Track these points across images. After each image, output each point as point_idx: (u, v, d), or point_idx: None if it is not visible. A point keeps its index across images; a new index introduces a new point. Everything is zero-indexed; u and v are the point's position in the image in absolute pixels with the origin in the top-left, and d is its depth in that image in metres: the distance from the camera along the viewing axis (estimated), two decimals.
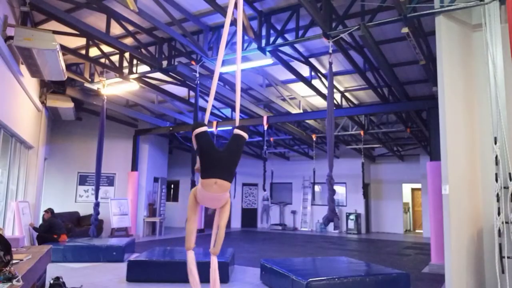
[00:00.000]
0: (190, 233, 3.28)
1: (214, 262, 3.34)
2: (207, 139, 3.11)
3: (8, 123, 6.32)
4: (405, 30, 5.65)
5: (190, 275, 3.25)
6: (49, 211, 8.57)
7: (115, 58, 8.71)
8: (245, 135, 3.25)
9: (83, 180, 12.62)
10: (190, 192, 3.33)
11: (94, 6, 6.43)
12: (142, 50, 7.80)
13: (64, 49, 7.58)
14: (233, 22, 6.10)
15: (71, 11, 6.68)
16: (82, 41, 7.98)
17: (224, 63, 7.98)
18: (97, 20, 7.02)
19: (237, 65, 3.53)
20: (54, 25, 7.02)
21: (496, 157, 4.43)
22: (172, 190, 18.12)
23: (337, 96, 10.05)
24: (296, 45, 7.33)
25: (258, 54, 7.04)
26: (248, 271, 7.28)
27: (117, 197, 12.77)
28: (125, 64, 8.64)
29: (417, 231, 17.44)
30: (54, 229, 8.22)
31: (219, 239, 3.30)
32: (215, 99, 10.75)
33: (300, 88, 10.00)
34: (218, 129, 11.76)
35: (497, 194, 4.34)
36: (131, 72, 8.59)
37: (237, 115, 3.61)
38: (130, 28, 7.20)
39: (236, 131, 3.24)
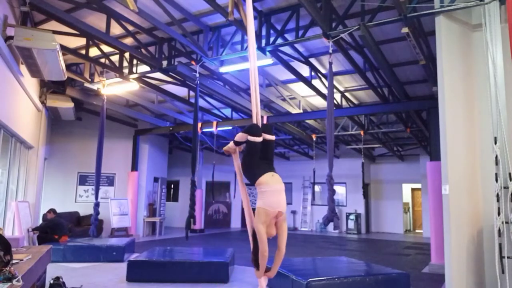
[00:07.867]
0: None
1: (263, 285, 3.32)
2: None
3: (8, 123, 6.32)
4: (405, 30, 5.65)
5: None
6: (52, 211, 8.54)
7: (115, 58, 8.71)
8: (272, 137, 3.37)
9: (83, 180, 12.62)
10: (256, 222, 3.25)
11: (94, 6, 6.43)
12: (142, 50, 7.79)
13: (64, 49, 7.57)
14: (235, 22, 6.11)
15: (71, 11, 6.68)
16: (82, 41, 7.98)
17: (224, 63, 7.99)
18: (97, 20, 7.01)
19: (254, 61, 3.46)
20: (54, 25, 7.02)
21: (496, 157, 4.43)
22: (172, 190, 18.12)
23: (337, 96, 10.04)
24: (296, 45, 7.33)
25: (258, 54, 7.01)
26: (248, 271, 7.26)
27: (117, 197, 12.77)
28: (125, 64, 8.64)
29: (417, 231, 17.44)
30: (57, 229, 8.18)
31: (277, 262, 3.33)
32: (215, 99, 10.76)
33: (300, 88, 9.99)
34: (218, 129, 11.77)
35: (497, 194, 4.34)
36: (131, 72, 8.59)
37: (253, 114, 3.49)
38: (130, 28, 7.20)
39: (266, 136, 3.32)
